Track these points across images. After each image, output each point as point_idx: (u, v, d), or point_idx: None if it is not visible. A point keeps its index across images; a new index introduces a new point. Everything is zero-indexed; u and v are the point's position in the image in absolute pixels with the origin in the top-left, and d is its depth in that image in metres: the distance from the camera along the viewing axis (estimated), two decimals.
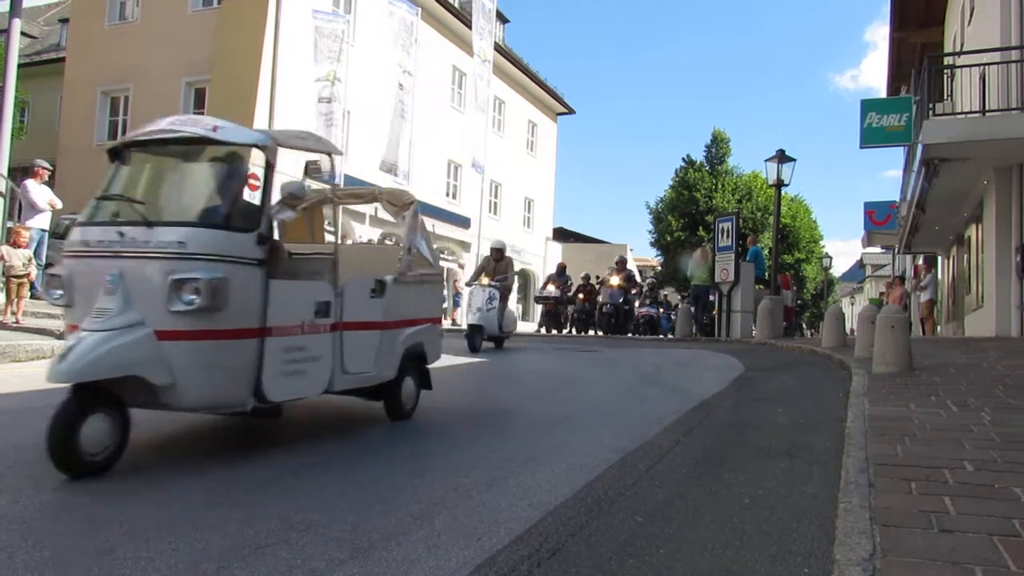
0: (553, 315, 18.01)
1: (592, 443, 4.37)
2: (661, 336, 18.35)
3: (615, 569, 2.40)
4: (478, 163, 21.17)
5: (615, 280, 15.26)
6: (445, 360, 9.08)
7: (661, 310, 21.30)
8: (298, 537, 2.60)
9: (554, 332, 17.91)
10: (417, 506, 3.00)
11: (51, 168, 11.40)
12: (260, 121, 19.64)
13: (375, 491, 3.22)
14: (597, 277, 18.12)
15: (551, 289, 18.08)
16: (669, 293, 26.19)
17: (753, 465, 3.83)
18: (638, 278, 21.09)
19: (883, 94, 23.63)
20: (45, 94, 25.39)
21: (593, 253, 35.31)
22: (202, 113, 20.75)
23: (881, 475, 2.95)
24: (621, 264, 16.13)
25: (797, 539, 2.67)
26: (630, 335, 17.16)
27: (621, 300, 15.15)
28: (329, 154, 4.48)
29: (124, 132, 22.14)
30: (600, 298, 15.94)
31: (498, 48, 25.86)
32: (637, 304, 18.54)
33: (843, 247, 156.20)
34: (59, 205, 10.88)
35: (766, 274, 15.84)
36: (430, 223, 25.49)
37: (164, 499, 2.98)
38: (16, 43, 9.85)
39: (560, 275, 18.51)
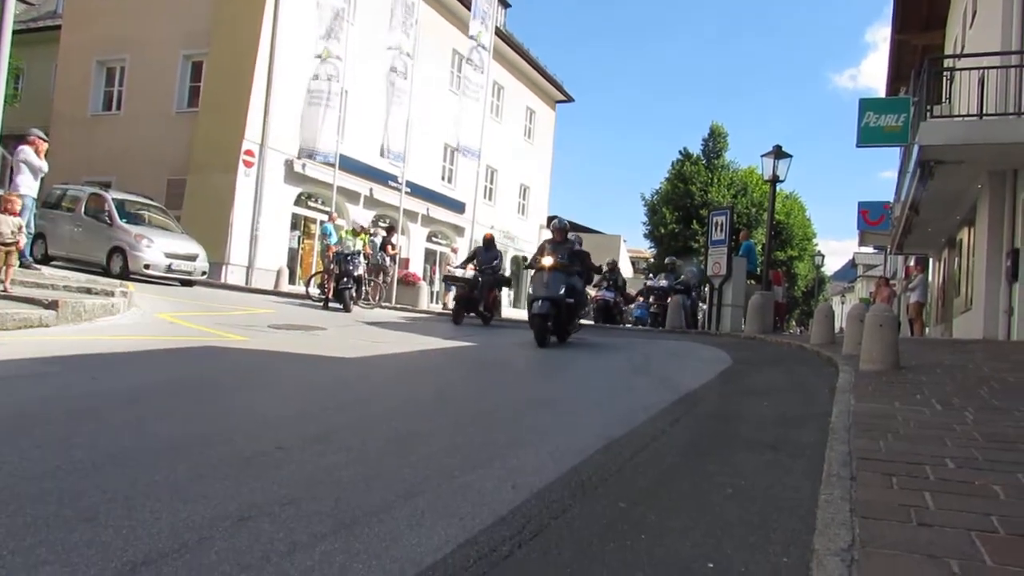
0: (466, 301, 13.36)
1: (578, 429, 4.39)
2: (627, 326, 17.53)
3: (596, 552, 2.42)
4: (465, 148, 21.03)
5: (548, 261, 9.65)
6: (431, 344, 9.11)
7: (638, 298, 19.55)
8: (281, 511, 2.60)
9: (483, 321, 13.62)
10: (401, 485, 3.00)
11: (47, 139, 11.29)
12: (257, 97, 19.51)
13: (359, 469, 3.22)
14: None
15: (468, 271, 13.59)
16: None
17: (737, 456, 3.85)
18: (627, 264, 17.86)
19: (882, 95, 23.67)
20: (40, 62, 25.17)
21: (586, 243, 35.32)
22: (198, 87, 20.62)
23: (863, 469, 2.97)
24: (560, 232, 10.35)
25: (777, 529, 2.69)
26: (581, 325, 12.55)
27: (562, 291, 9.47)
28: None
29: (119, 103, 22.05)
30: (530, 289, 10.04)
31: (498, 33, 25.74)
32: (593, 291, 15.96)
33: (836, 246, 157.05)
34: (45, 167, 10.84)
35: (758, 269, 15.88)
36: (424, 206, 25.59)
37: (147, 470, 2.97)
38: (11, 9, 9.72)
39: (488, 250, 13.95)
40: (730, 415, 5.21)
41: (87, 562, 2.08)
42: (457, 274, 14.01)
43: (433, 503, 2.79)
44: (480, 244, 14.70)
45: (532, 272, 10.24)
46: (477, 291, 13.25)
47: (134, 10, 21.55)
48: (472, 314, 13.54)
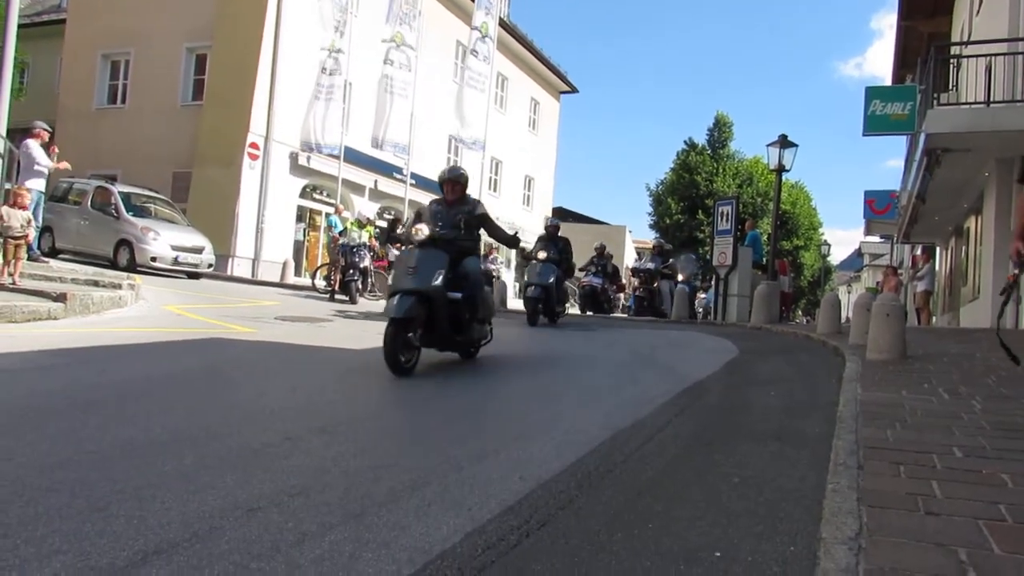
0: None
1: (584, 420, 4.40)
2: (619, 315, 17.16)
3: (603, 541, 2.42)
4: (470, 140, 20.94)
5: (423, 231, 5.92)
6: None
7: (628, 282, 18.72)
8: (290, 501, 2.62)
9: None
10: (408, 475, 3.01)
11: (50, 130, 11.37)
12: (261, 90, 19.50)
13: (366, 460, 3.23)
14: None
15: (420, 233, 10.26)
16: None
17: (743, 447, 3.85)
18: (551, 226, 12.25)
19: (888, 83, 23.51)
20: (45, 56, 25.16)
21: (592, 234, 35.31)
22: (202, 80, 20.63)
23: (870, 458, 2.97)
24: (452, 185, 6.42)
25: (784, 518, 2.69)
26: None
27: (439, 280, 5.71)
28: None
29: (124, 96, 22.05)
30: (394, 282, 6.02)
31: (502, 23, 25.63)
32: (581, 276, 14.66)
33: (842, 236, 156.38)
34: (68, 166, 10.97)
35: (764, 259, 15.84)
36: (429, 198, 25.51)
37: (156, 461, 2.99)
38: (16, 2, 9.73)
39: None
40: (736, 405, 5.21)
41: (99, 551, 2.10)
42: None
43: (441, 493, 2.81)
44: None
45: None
46: None
47: (138, 4, 21.52)
48: None
